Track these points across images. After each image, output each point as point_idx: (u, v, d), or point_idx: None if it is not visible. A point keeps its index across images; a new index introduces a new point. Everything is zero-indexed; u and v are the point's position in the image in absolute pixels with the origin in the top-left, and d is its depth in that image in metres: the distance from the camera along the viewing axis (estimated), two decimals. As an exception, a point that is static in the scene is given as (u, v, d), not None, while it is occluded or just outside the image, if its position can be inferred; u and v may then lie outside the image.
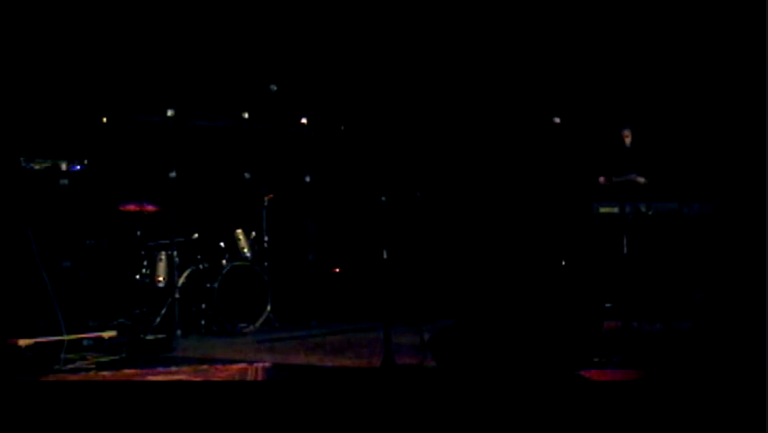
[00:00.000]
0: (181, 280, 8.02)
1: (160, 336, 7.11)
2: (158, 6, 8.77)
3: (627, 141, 8.73)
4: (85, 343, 6.46)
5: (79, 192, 6.67)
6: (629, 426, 3.93)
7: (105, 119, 8.02)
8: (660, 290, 8.03)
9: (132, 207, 8.25)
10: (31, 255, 6.19)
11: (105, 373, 5.76)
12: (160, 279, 8.11)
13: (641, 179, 8.32)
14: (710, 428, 3.88)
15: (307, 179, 8.93)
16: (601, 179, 8.40)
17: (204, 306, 7.96)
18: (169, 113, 7.95)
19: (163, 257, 8.14)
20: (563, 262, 8.92)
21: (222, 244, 8.27)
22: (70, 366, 5.93)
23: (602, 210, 8.36)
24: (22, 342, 6.16)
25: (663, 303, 7.83)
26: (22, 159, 6.42)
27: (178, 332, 7.69)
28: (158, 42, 8.78)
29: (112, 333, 6.71)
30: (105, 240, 7.90)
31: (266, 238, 8.63)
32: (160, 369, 5.79)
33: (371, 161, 8.92)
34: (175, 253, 7.97)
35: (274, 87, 8.33)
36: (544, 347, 5.19)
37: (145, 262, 8.21)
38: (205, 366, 5.87)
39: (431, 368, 5.41)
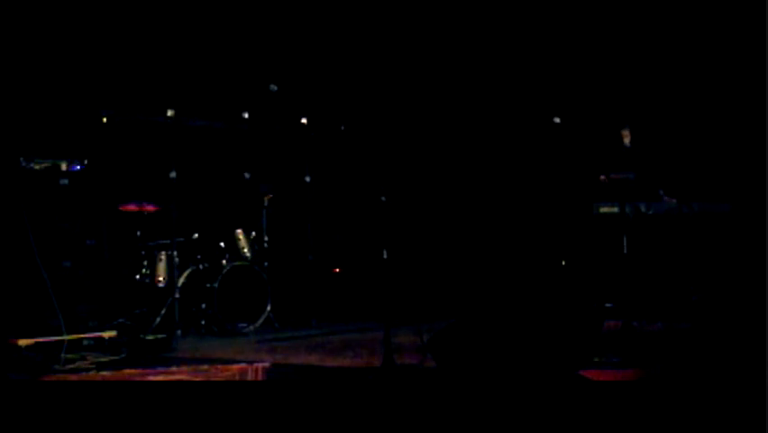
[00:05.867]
0: (181, 280, 8.02)
1: (160, 336, 7.10)
2: (158, 6, 8.77)
3: (627, 140, 8.73)
4: (85, 343, 6.45)
5: (79, 192, 6.67)
6: (629, 426, 3.93)
7: (105, 119, 8.01)
8: (660, 290, 8.02)
9: (132, 207, 8.25)
10: (31, 255, 6.19)
11: (105, 372, 5.75)
12: (160, 279, 8.11)
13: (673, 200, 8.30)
14: (710, 428, 3.88)
15: (307, 179, 8.92)
16: (601, 177, 8.39)
17: (204, 306, 7.96)
18: (169, 113, 7.95)
19: (163, 257, 8.14)
20: (563, 262, 8.92)
21: (222, 244, 8.26)
22: (70, 366, 5.93)
23: (602, 210, 8.36)
24: (22, 342, 6.15)
25: (663, 303, 7.83)
26: (22, 159, 6.42)
27: (178, 332, 7.69)
28: (158, 42, 8.78)
29: (112, 333, 6.70)
30: (105, 240, 7.90)
31: (266, 238, 8.63)
32: (160, 369, 5.79)
33: (371, 161, 8.92)
34: (175, 253, 7.97)
35: (274, 87, 8.33)
36: (544, 347, 5.19)
37: (145, 262, 8.21)
38: (205, 366, 5.87)
39: (431, 368, 5.41)
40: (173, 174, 7.94)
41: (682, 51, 9.32)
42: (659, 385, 4.80)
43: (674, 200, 8.21)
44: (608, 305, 7.66)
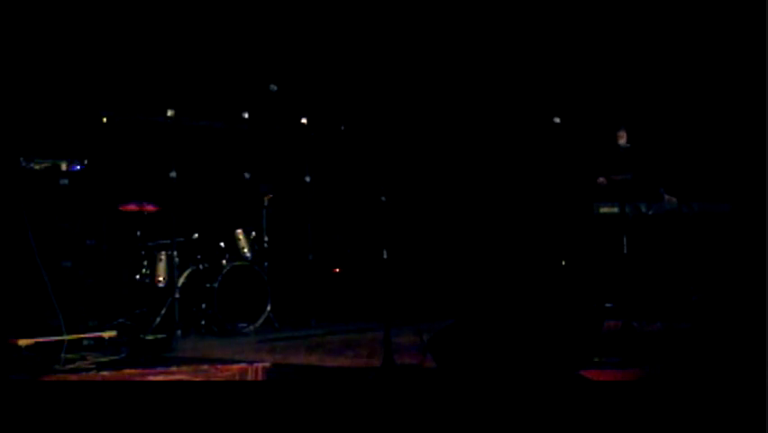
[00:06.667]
0: (181, 280, 8.02)
1: (159, 336, 7.10)
2: (158, 6, 8.77)
3: (622, 141, 8.70)
4: (85, 343, 6.46)
5: (79, 192, 6.67)
6: (629, 426, 3.93)
7: (105, 119, 8.01)
8: (660, 290, 8.03)
9: (132, 207, 8.25)
10: (31, 255, 6.19)
11: (105, 373, 5.76)
12: (160, 279, 8.11)
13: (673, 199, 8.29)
14: (710, 428, 3.88)
15: (307, 179, 8.93)
16: (601, 179, 8.38)
17: (204, 306, 7.96)
18: (169, 113, 7.95)
19: (163, 257, 8.14)
20: (563, 263, 8.92)
21: (222, 244, 8.27)
22: (70, 366, 5.93)
23: (602, 210, 8.36)
24: (22, 342, 6.15)
25: (663, 303, 7.83)
26: (22, 159, 6.42)
27: (178, 332, 7.69)
28: (158, 42, 8.78)
29: (112, 333, 6.71)
30: (105, 240, 7.90)
31: (266, 238, 8.63)
32: (160, 369, 5.79)
33: (371, 161, 8.92)
34: (175, 253, 7.97)
35: (274, 87, 8.33)
36: (544, 347, 5.19)
37: (145, 262, 8.21)
38: (205, 366, 5.87)
39: (431, 368, 5.41)
40: (173, 174, 7.94)
41: (682, 51, 9.32)
42: (659, 385, 4.80)
43: (675, 199, 8.21)
44: (607, 305, 7.66)
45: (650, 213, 8.28)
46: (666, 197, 8.29)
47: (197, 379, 5.55)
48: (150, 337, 7.01)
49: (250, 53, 9.37)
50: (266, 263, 8.52)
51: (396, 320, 6.05)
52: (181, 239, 8.21)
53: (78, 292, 6.56)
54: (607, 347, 5.84)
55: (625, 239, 7.30)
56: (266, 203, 8.69)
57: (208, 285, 7.93)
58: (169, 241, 8.01)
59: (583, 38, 9.65)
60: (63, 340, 6.17)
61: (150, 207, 8.27)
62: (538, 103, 9.52)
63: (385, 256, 6.02)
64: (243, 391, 4.59)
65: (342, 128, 8.93)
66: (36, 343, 6.20)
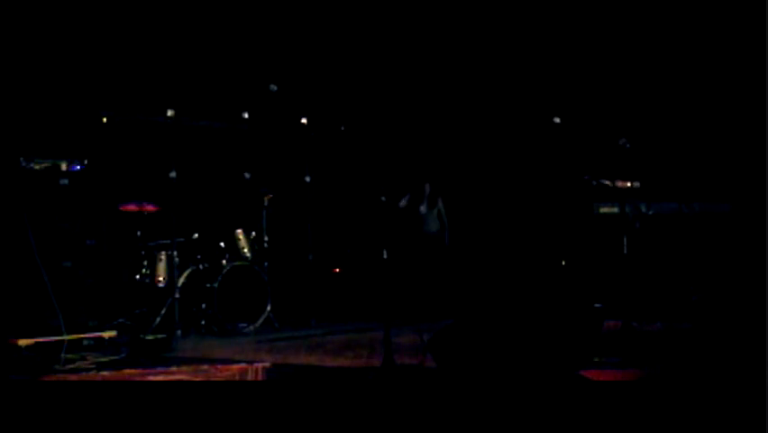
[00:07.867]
0: (181, 280, 8.02)
1: (159, 336, 7.10)
2: (158, 6, 8.77)
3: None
4: (85, 343, 6.46)
5: (79, 192, 6.67)
6: (629, 426, 3.93)
7: (105, 119, 8.01)
8: (660, 290, 8.03)
9: (132, 207, 8.25)
10: (31, 255, 6.19)
11: (105, 373, 5.76)
12: (160, 279, 8.11)
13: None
14: (710, 428, 3.88)
15: (307, 179, 8.93)
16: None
17: (204, 306, 7.96)
18: (169, 113, 7.95)
19: (163, 257, 8.14)
20: (563, 263, 8.92)
21: (222, 244, 8.27)
22: (70, 366, 5.93)
23: (602, 210, 8.36)
24: (22, 342, 6.16)
25: (663, 303, 7.83)
26: (22, 159, 6.42)
27: (178, 332, 7.69)
28: (158, 42, 8.78)
29: (112, 333, 6.71)
30: (105, 240, 7.90)
31: (266, 238, 8.63)
32: (160, 369, 5.79)
33: (371, 161, 8.92)
34: (175, 253, 7.97)
35: (274, 87, 8.32)
36: (544, 347, 5.20)
37: (145, 262, 8.21)
38: (205, 366, 5.87)
39: (431, 368, 5.41)
40: (173, 174, 7.94)
41: (682, 51, 9.32)
42: (659, 385, 4.81)
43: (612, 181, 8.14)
44: (607, 305, 7.66)
45: (650, 213, 8.28)
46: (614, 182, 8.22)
47: (197, 379, 5.56)
48: (150, 337, 7.01)
49: (250, 53, 9.37)
50: (266, 263, 8.52)
51: (396, 320, 6.05)
52: (181, 239, 8.21)
53: (78, 292, 6.56)
54: (607, 347, 5.84)
55: (625, 239, 7.30)
56: (266, 203, 8.69)
57: (208, 285, 7.93)
58: (169, 241, 8.01)
59: (584, 38, 9.65)
60: (63, 340, 6.17)
61: (150, 207, 8.27)
62: (538, 103, 9.52)
63: (385, 256, 6.02)
64: (243, 391, 4.59)
65: (342, 128, 8.93)
66: (36, 343, 6.20)
